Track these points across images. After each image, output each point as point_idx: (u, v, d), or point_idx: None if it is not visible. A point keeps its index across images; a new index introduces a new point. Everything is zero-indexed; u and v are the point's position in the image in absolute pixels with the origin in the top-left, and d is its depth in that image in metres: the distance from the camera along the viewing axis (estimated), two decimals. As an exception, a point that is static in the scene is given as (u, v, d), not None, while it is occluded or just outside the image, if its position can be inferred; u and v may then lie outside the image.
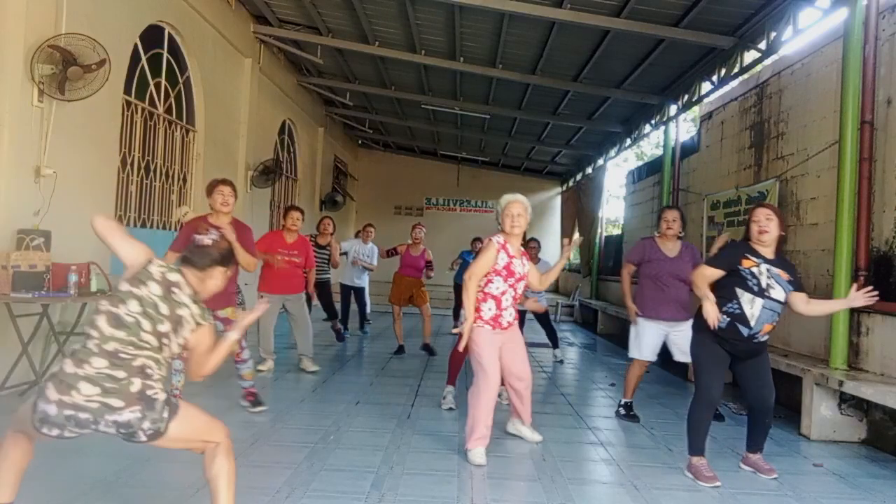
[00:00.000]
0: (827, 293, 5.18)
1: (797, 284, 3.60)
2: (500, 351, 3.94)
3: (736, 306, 3.53)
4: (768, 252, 3.55)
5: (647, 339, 4.87)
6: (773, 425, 4.87)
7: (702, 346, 3.69)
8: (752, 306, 3.49)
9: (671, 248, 4.89)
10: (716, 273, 3.57)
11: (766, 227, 3.50)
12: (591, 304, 12.91)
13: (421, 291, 7.70)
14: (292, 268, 6.03)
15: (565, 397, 5.81)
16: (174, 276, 2.38)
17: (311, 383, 5.78)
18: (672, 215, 4.90)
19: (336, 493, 3.14)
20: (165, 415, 2.23)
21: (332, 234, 8.01)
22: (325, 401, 5.18)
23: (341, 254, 8.54)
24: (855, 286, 3.64)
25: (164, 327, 2.29)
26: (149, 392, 2.20)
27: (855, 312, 4.92)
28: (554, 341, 7.87)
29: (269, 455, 3.65)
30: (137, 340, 2.24)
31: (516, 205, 3.88)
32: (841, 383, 4.42)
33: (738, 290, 3.52)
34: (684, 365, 5.90)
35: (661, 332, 4.86)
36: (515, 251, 3.91)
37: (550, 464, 3.80)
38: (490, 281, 3.86)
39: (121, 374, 2.18)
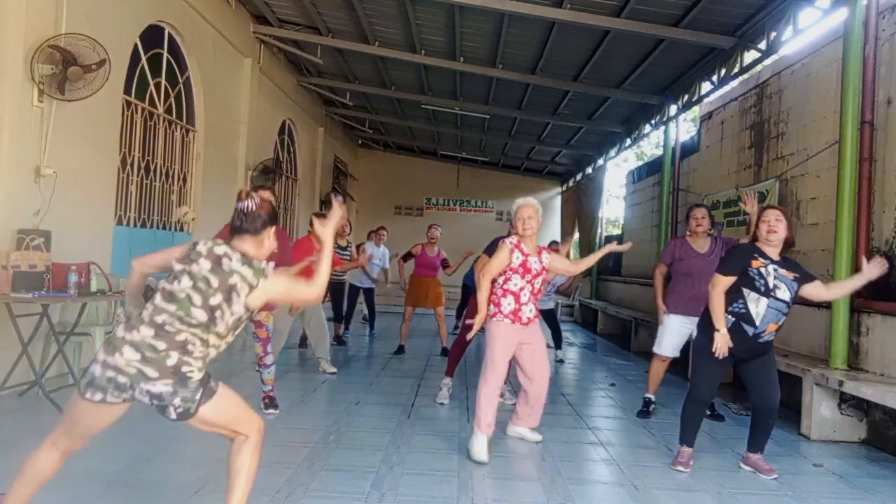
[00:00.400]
0: (827, 293, 5.18)
1: (805, 276, 3.64)
2: (521, 349, 4.11)
3: (742, 306, 3.57)
4: (774, 253, 3.60)
5: (669, 335, 4.96)
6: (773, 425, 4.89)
7: (702, 346, 3.74)
8: (757, 305, 3.53)
9: (702, 244, 4.94)
10: (731, 280, 3.60)
11: (776, 228, 3.56)
12: (591, 304, 12.92)
13: (437, 292, 7.76)
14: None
15: (565, 397, 5.81)
16: (221, 249, 2.37)
17: (311, 383, 5.78)
18: (700, 213, 4.96)
19: (336, 493, 3.14)
20: (198, 396, 2.22)
21: (348, 234, 8.06)
22: (325, 401, 5.18)
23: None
24: (865, 259, 3.67)
25: (216, 300, 2.29)
26: (184, 368, 2.20)
27: (855, 312, 4.93)
28: (557, 342, 7.90)
29: (269, 455, 3.64)
30: (185, 315, 2.25)
31: (527, 208, 4.09)
32: (841, 383, 4.42)
33: (745, 290, 3.57)
34: (685, 365, 5.90)
35: (687, 329, 4.90)
36: (531, 250, 4.08)
37: (550, 464, 3.80)
38: (508, 279, 4.07)
39: (161, 345, 2.20)
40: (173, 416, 2.21)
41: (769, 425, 3.79)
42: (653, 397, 5.16)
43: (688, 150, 9.25)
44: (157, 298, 2.30)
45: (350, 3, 7.85)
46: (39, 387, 4.55)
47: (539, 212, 4.11)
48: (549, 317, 7.80)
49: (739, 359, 3.70)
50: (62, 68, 4.83)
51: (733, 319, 3.60)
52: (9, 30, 4.71)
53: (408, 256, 7.95)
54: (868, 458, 4.32)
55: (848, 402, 4.66)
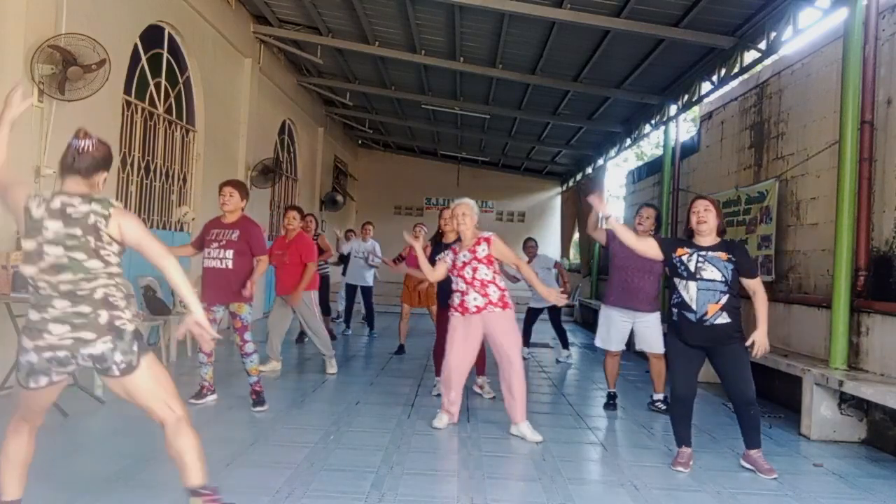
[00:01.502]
0: (827, 293, 5.18)
1: (745, 267, 3.70)
2: (490, 340, 4.41)
3: (677, 296, 3.74)
4: (707, 241, 3.73)
5: (613, 329, 5.16)
6: (774, 425, 4.89)
7: (669, 346, 3.94)
8: (687, 291, 3.68)
9: None
10: (653, 245, 3.84)
11: (705, 218, 3.71)
12: (591, 304, 12.90)
13: (429, 291, 7.74)
14: (287, 267, 5.99)
15: (565, 397, 5.81)
16: (57, 202, 2.27)
17: (311, 383, 5.78)
18: (647, 213, 5.10)
19: (336, 493, 3.14)
20: (135, 348, 2.28)
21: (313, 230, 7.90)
22: (325, 401, 5.18)
23: (347, 254, 9.04)
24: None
25: (93, 243, 2.25)
26: (117, 322, 2.26)
27: (855, 312, 4.92)
28: (564, 342, 7.97)
29: (269, 455, 3.65)
30: (86, 274, 2.24)
31: (459, 207, 4.44)
32: (841, 383, 4.42)
33: (675, 280, 3.76)
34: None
35: (627, 321, 5.11)
36: (463, 246, 4.42)
37: (550, 464, 3.80)
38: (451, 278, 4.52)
39: (86, 308, 2.22)
40: (117, 373, 2.24)
41: (752, 417, 3.81)
42: (614, 391, 5.43)
43: (688, 150, 9.24)
44: (45, 276, 2.23)
45: (350, 3, 7.85)
46: (39, 387, 4.54)
47: (473, 209, 4.44)
48: (553, 318, 7.88)
49: (702, 348, 3.76)
50: (62, 68, 4.83)
51: (676, 311, 3.75)
52: (9, 30, 4.71)
53: (399, 259, 7.95)
54: (868, 458, 4.32)
55: (848, 402, 4.65)
